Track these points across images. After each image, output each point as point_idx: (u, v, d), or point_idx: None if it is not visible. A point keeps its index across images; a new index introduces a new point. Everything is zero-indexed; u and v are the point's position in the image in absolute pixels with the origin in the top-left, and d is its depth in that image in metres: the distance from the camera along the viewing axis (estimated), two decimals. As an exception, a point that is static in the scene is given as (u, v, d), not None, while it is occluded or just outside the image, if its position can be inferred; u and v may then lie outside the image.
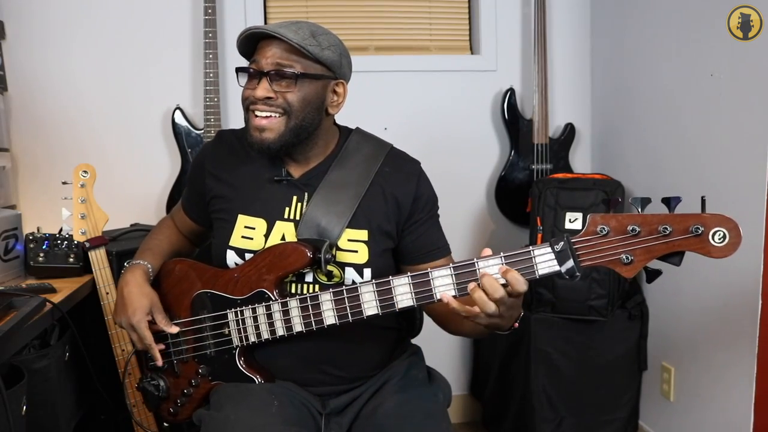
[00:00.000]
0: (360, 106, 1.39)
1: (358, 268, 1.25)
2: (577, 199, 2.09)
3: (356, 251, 1.25)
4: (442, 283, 1.07)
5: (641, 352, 2.13)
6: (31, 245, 1.61)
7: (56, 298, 1.41)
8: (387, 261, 1.31)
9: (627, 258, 0.99)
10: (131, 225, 2.00)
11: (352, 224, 1.25)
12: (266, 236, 1.26)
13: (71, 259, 1.62)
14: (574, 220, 2.08)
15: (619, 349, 2.10)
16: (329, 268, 1.24)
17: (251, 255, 1.25)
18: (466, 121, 2.45)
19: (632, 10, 2.22)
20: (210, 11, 2.13)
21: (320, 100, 1.24)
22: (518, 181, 2.41)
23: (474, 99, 2.45)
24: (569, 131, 2.44)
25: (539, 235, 2.11)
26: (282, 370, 1.27)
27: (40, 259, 1.61)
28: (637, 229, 0.98)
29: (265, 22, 2.34)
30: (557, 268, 1.01)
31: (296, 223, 1.25)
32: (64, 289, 1.50)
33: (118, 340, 1.61)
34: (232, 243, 1.27)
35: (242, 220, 1.28)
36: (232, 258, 1.27)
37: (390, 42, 2.47)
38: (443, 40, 2.51)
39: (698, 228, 0.96)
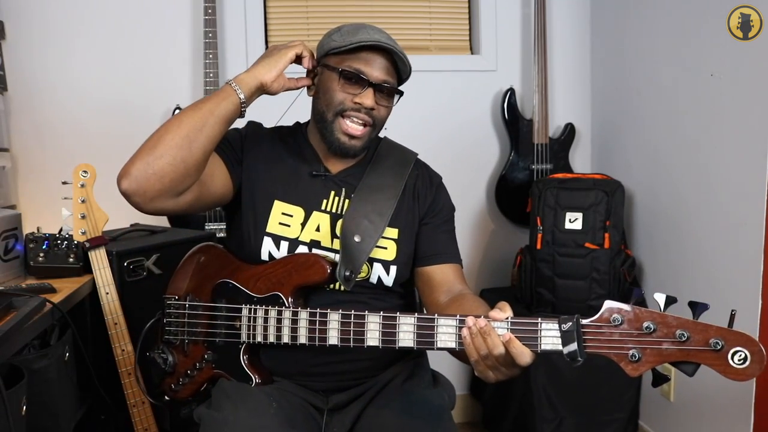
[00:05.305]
0: (360, 106, 1.40)
1: (386, 265, 1.29)
2: (577, 199, 2.09)
3: (386, 248, 1.30)
4: (445, 332, 1.05)
5: (641, 352, 2.13)
6: (31, 245, 1.61)
7: (56, 298, 1.42)
8: (410, 259, 1.34)
9: (635, 356, 0.92)
10: (131, 225, 2.00)
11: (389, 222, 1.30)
12: (303, 225, 1.29)
13: (71, 259, 1.62)
14: (574, 220, 2.08)
15: (619, 349, 2.10)
16: None
17: (287, 242, 1.27)
18: (466, 121, 2.45)
19: (632, 11, 2.22)
20: (210, 11, 2.13)
21: None
22: (518, 181, 2.41)
23: (474, 99, 2.45)
24: (569, 131, 2.44)
25: (539, 235, 2.11)
26: (288, 364, 1.27)
27: (40, 259, 1.61)
28: (653, 327, 0.92)
29: (265, 23, 2.34)
30: (560, 347, 0.96)
31: (332, 216, 1.29)
32: (64, 289, 1.50)
33: (118, 340, 1.61)
34: (269, 229, 1.28)
35: (279, 206, 1.29)
36: (267, 245, 1.28)
37: (390, 42, 2.47)
38: (443, 40, 2.51)
39: (718, 343, 0.90)
